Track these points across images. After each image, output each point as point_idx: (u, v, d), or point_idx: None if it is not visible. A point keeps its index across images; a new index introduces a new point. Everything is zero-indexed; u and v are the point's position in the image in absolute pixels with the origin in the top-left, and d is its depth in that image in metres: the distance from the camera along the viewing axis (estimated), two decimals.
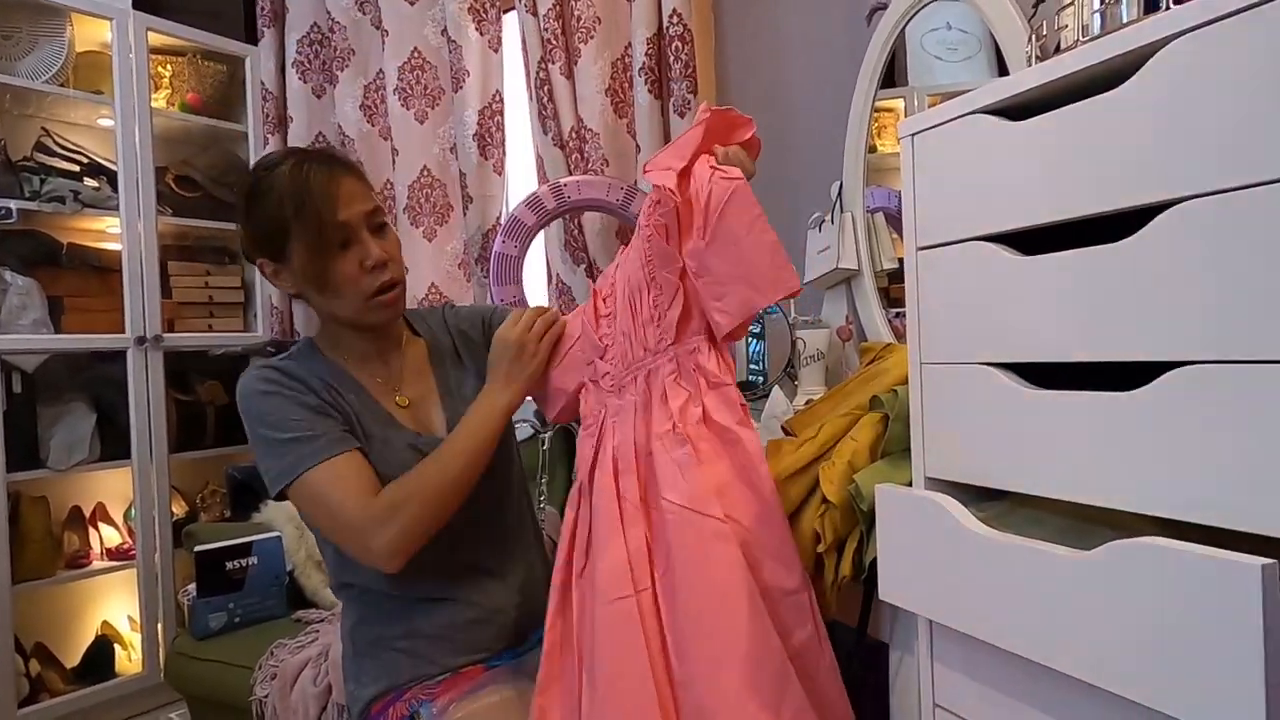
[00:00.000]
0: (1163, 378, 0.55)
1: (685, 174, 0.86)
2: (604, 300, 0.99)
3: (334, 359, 1.09)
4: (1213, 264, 0.52)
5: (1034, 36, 0.78)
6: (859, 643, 0.90)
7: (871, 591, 0.84)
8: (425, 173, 2.32)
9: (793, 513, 0.89)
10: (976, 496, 0.72)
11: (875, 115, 1.50)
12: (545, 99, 1.97)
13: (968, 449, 0.71)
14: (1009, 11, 1.19)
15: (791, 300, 1.45)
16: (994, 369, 0.68)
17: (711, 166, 0.84)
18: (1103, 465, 0.59)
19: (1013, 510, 0.71)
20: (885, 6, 1.43)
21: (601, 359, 0.97)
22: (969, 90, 0.69)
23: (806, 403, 1.15)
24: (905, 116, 1.07)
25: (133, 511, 2.37)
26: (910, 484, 0.78)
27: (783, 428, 0.94)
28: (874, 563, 0.79)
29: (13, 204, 2.16)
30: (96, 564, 2.36)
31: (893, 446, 0.84)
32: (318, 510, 0.99)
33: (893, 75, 1.47)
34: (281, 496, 1.00)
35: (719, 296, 0.83)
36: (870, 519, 0.80)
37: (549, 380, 1.05)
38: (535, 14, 1.98)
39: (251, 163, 2.65)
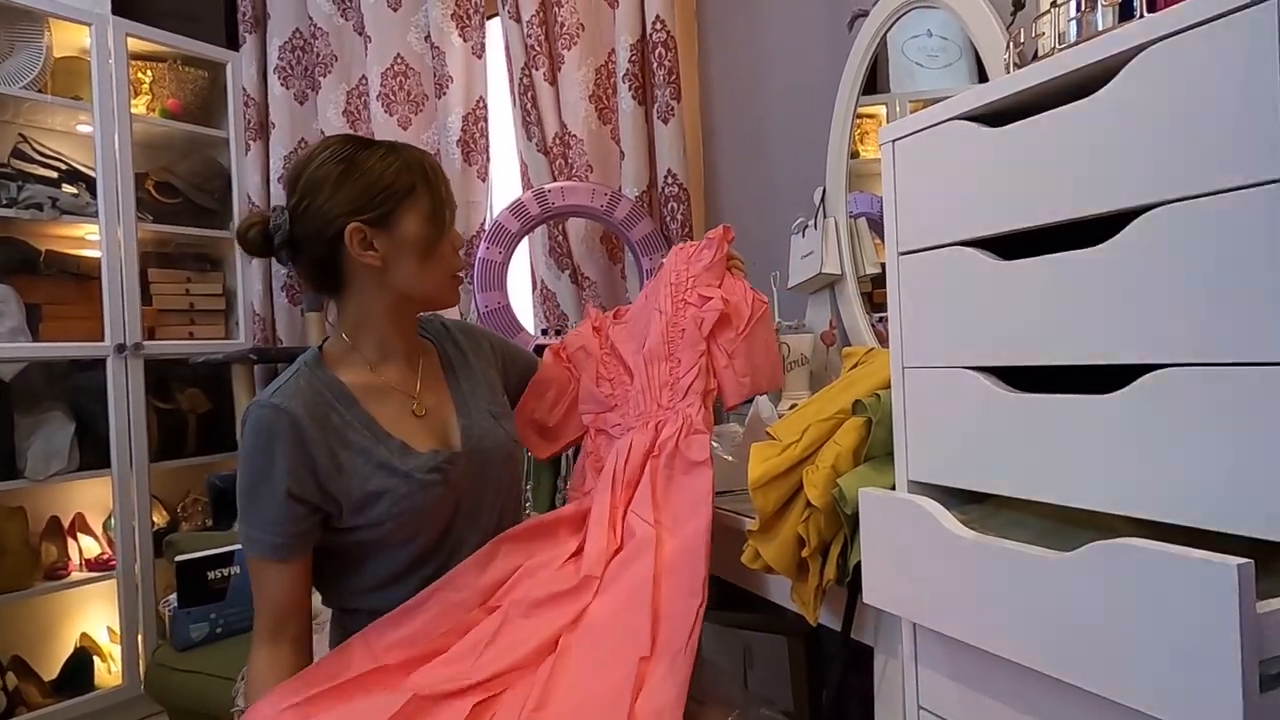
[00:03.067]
0: (1140, 380, 0.56)
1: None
2: (603, 365, 1.25)
3: (342, 370, 1.05)
4: (1188, 268, 0.53)
5: (1012, 44, 0.79)
6: (843, 646, 0.90)
7: (856, 595, 0.85)
8: None
9: (775, 516, 0.89)
10: (959, 499, 0.73)
11: (857, 121, 1.51)
12: (529, 105, 1.97)
13: (950, 452, 0.72)
14: (988, 19, 1.20)
15: (775, 306, 1.46)
16: (975, 373, 0.69)
17: (744, 286, 1.14)
18: (1082, 467, 0.60)
19: (995, 513, 0.72)
20: (866, 13, 1.45)
21: (611, 412, 1.21)
22: (950, 97, 0.70)
23: (791, 407, 1.15)
24: (886, 123, 1.08)
25: (112, 521, 2.35)
26: (893, 487, 0.78)
27: (767, 432, 0.95)
28: (858, 566, 0.80)
29: None
30: (75, 575, 2.33)
31: (876, 450, 0.85)
32: (253, 592, 1.01)
33: (874, 82, 1.48)
34: None
35: (744, 374, 1.11)
36: (854, 522, 0.80)
37: (552, 430, 1.28)
38: (519, 20, 1.98)
39: (233, 170, 2.64)
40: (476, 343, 1.21)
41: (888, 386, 0.81)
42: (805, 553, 0.86)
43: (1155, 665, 0.51)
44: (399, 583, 1.03)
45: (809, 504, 0.85)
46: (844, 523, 0.83)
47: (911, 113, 0.74)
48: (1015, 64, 0.76)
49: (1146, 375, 0.55)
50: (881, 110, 1.52)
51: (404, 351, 1.09)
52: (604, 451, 1.17)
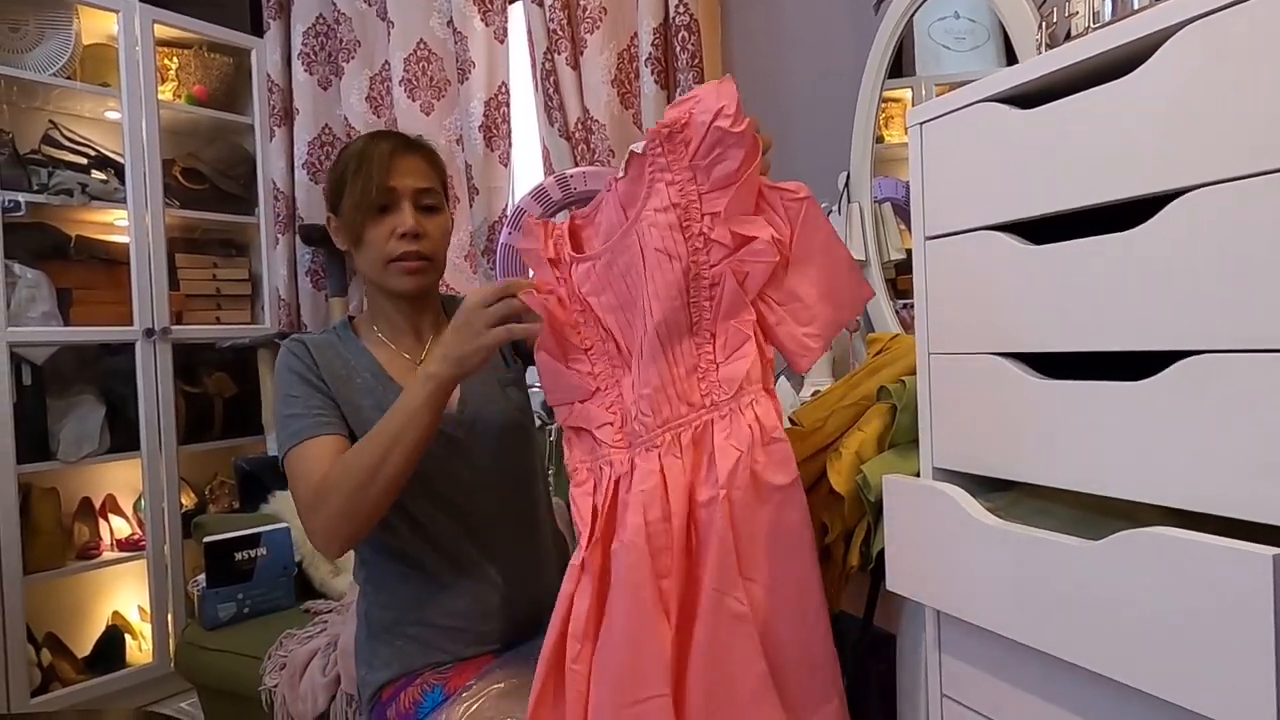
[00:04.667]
0: (1172, 367, 0.55)
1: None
2: (574, 331, 0.82)
3: (363, 335, 1.14)
4: (1224, 252, 0.52)
5: (1044, 24, 0.78)
6: (865, 633, 0.90)
7: (878, 582, 0.84)
8: None
9: None
10: (984, 487, 0.72)
11: (882, 105, 1.49)
12: (551, 90, 1.97)
13: (976, 439, 0.71)
14: None
15: None
16: (1002, 359, 0.68)
17: (772, 188, 0.79)
18: (1111, 455, 0.59)
19: (1021, 500, 0.71)
20: None
21: (586, 402, 0.83)
22: (976, 79, 0.69)
23: (813, 394, 1.15)
24: (912, 106, 1.06)
25: (142, 503, 2.39)
26: (918, 474, 0.77)
27: (790, 418, 0.94)
28: (881, 553, 0.79)
29: (21, 197, 2.17)
30: (107, 555, 2.37)
31: (900, 437, 0.84)
32: (292, 488, 1.00)
33: (900, 65, 1.46)
34: None
35: (808, 321, 0.77)
36: (877, 509, 0.80)
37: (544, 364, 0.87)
38: (541, 4, 1.97)
39: (258, 156, 2.68)
40: None
41: (912, 372, 0.80)
42: (828, 539, 0.86)
43: (1185, 656, 0.51)
44: (418, 532, 1.05)
45: (832, 490, 0.85)
46: (867, 509, 0.82)
47: (938, 96, 0.73)
48: (1047, 44, 0.75)
49: (1178, 362, 0.54)
50: (907, 94, 1.50)
51: (408, 328, 1.15)
52: (588, 468, 0.84)
